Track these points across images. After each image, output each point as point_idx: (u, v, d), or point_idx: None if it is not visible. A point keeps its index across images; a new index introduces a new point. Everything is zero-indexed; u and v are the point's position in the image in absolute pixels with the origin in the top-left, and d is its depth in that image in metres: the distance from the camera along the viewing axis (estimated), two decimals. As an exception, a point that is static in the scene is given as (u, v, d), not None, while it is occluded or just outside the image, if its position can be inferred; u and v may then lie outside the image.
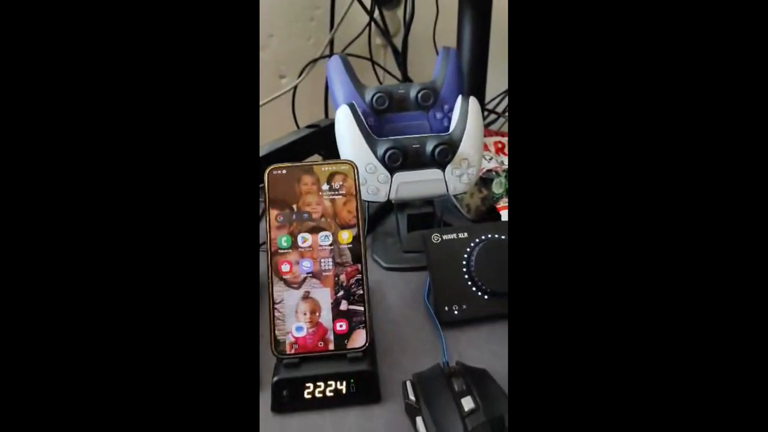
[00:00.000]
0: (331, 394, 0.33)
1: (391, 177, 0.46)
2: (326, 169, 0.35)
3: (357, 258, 0.35)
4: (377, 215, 0.56)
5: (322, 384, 0.33)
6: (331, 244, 0.35)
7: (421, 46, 0.73)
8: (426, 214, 0.50)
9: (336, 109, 0.49)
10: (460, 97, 0.48)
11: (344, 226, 0.35)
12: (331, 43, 0.71)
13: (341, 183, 0.35)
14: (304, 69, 0.69)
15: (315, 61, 0.69)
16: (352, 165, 0.35)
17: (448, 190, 0.48)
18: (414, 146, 0.46)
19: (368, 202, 0.49)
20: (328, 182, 0.35)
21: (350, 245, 0.35)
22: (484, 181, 0.57)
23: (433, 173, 0.47)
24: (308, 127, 0.67)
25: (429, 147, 0.46)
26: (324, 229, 0.35)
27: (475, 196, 0.57)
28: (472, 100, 0.48)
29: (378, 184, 0.46)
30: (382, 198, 0.47)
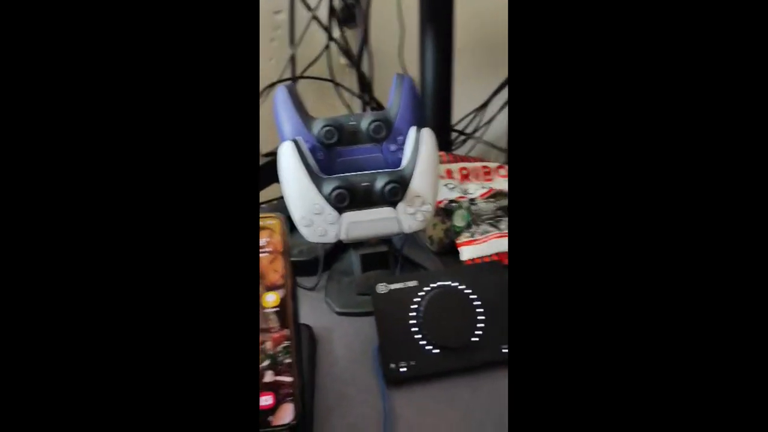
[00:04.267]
0: (256, 476, 0.30)
1: (340, 217, 0.43)
2: (249, 224, 0.32)
3: (285, 322, 0.31)
4: (334, 252, 0.53)
5: (245, 465, 0.30)
6: (256, 308, 0.31)
7: (388, 65, 0.70)
8: (381, 253, 0.47)
9: (281, 144, 0.46)
10: (413, 129, 0.45)
11: (270, 288, 0.32)
12: (293, 64, 0.68)
13: (267, 239, 0.32)
14: (262, 92, 0.66)
15: (273, 84, 0.66)
16: (280, 219, 0.32)
17: (401, 228, 0.45)
18: (363, 184, 0.43)
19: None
20: (253, 239, 0.32)
21: (276, 309, 0.32)
22: (447, 212, 0.54)
23: (385, 212, 0.44)
24: (266, 155, 0.64)
25: (379, 184, 0.43)
26: (249, 291, 0.32)
27: (438, 227, 0.54)
28: (426, 132, 0.45)
29: (326, 225, 0.43)
30: (331, 239, 0.44)
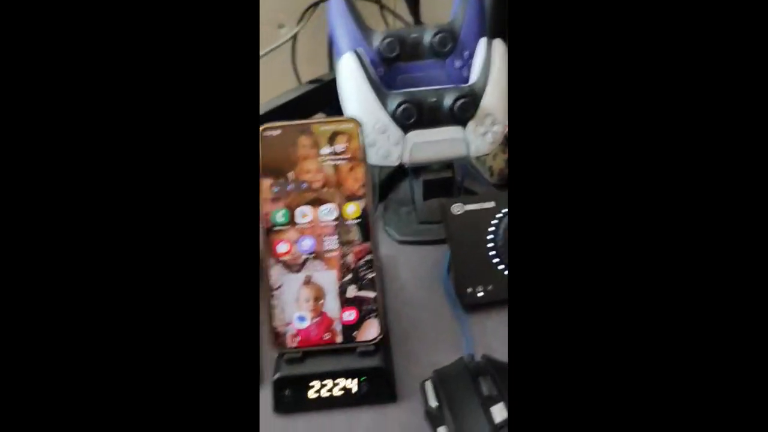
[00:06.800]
0: (340, 393, 0.28)
1: (405, 137, 0.40)
2: (326, 128, 0.29)
3: (366, 235, 0.29)
4: (389, 181, 0.50)
5: (329, 382, 0.28)
6: (335, 219, 0.29)
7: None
8: (444, 180, 0.44)
9: (339, 58, 0.42)
10: (483, 40, 0.41)
11: (351, 198, 0.29)
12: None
13: (345, 145, 0.29)
14: (303, 14, 0.61)
15: (316, 4, 0.61)
16: (356, 122, 0.29)
17: (469, 151, 0.41)
18: (431, 100, 0.39)
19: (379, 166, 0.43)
20: (330, 144, 0.29)
21: (358, 220, 0.29)
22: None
23: (453, 131, 0.40)
24: (311, 82, 0.60)
25: (448, 101, 0.39)
26: (327, 201, 0.29)
27: (499, 157, 0.50)
28: (498, 43, 0.40)
29: (389, 145, 0.40)
30: (393, 162, 0.41)
